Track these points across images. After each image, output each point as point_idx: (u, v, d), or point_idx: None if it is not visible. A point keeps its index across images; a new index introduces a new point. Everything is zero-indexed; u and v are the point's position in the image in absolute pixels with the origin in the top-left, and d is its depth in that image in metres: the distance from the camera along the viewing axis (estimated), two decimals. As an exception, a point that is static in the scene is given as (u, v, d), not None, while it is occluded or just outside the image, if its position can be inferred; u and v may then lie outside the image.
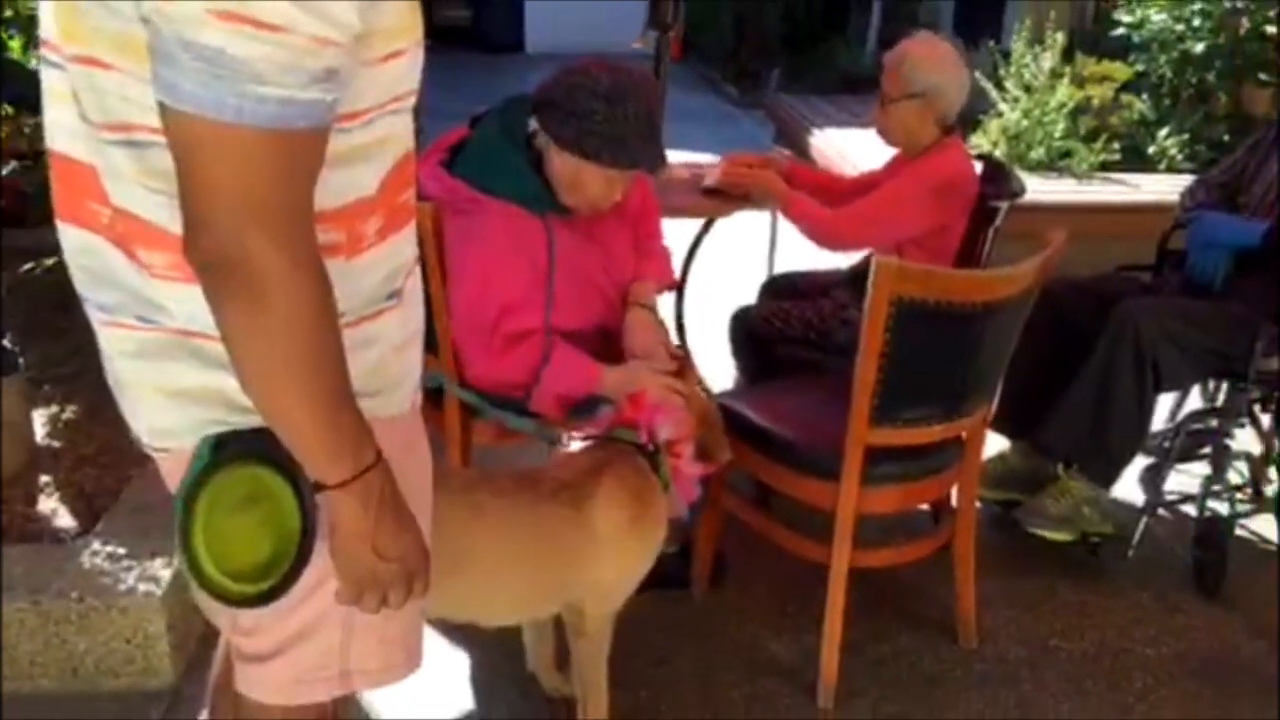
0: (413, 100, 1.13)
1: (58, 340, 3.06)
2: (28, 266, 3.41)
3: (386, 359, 1.19)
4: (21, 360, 2.61)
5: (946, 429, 2.12)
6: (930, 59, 2.59)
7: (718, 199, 2.82)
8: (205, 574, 1.09)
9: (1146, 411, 2.57)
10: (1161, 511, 2.80)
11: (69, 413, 2.81)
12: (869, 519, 2.16)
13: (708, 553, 2.46)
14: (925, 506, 2.55)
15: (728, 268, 3.57)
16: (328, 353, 1.02)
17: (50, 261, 3.12)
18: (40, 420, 2.75)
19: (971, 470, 2.29)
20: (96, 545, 2.22)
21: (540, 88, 2.04)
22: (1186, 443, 2.73)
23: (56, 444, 2.68)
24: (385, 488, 1.10)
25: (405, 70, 1.08)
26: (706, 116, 7.90)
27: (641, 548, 1.87)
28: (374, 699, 2.07)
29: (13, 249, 3.29)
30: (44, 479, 2.54)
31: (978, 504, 2.41)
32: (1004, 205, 2.61)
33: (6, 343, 2.53)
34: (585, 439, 1.93)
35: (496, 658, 2.21)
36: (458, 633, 1.46)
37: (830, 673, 2.18)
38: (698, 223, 3.12)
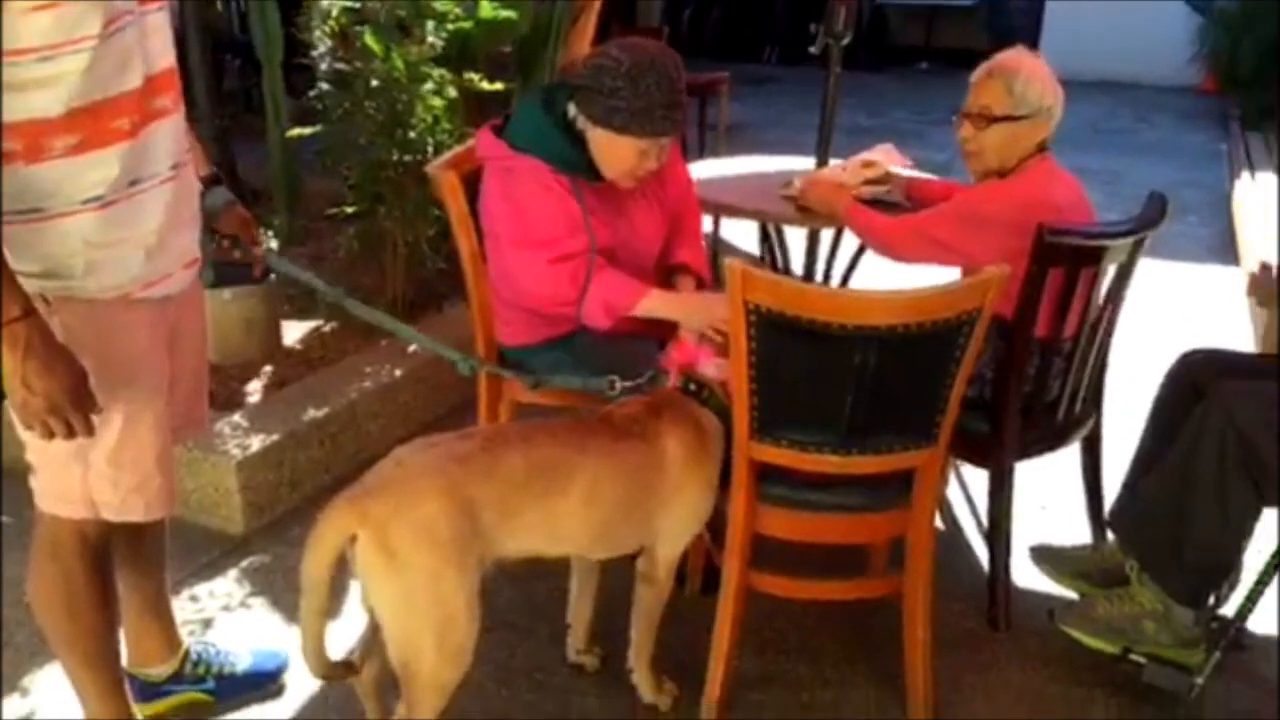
0: (90, 46, 1.44)
1: None
2: None
3: (77, 249, 1.54)
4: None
5: (845, 462, 1.92)
6: (1041, 77, 2.30)
7: (788, 207, 2.75)
8: None
9: (1234, 523, 2.03)
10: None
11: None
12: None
13: (699, 555, 2.45)
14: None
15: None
16: None
17: None
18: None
19: (919, 523, 2.03)
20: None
21: (574, 74, 2.26)
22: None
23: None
24: (33, 336, 1.45)
25: (59, 21, 1.41)
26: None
27: (703, 481, 1.99)
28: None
29: None
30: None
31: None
32: (1110, 244, 2.21)
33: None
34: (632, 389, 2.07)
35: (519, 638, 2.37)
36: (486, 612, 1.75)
37: (711, 698, 2.10)
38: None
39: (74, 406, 1.50)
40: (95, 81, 1.48)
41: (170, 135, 1.63)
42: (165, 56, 1.61)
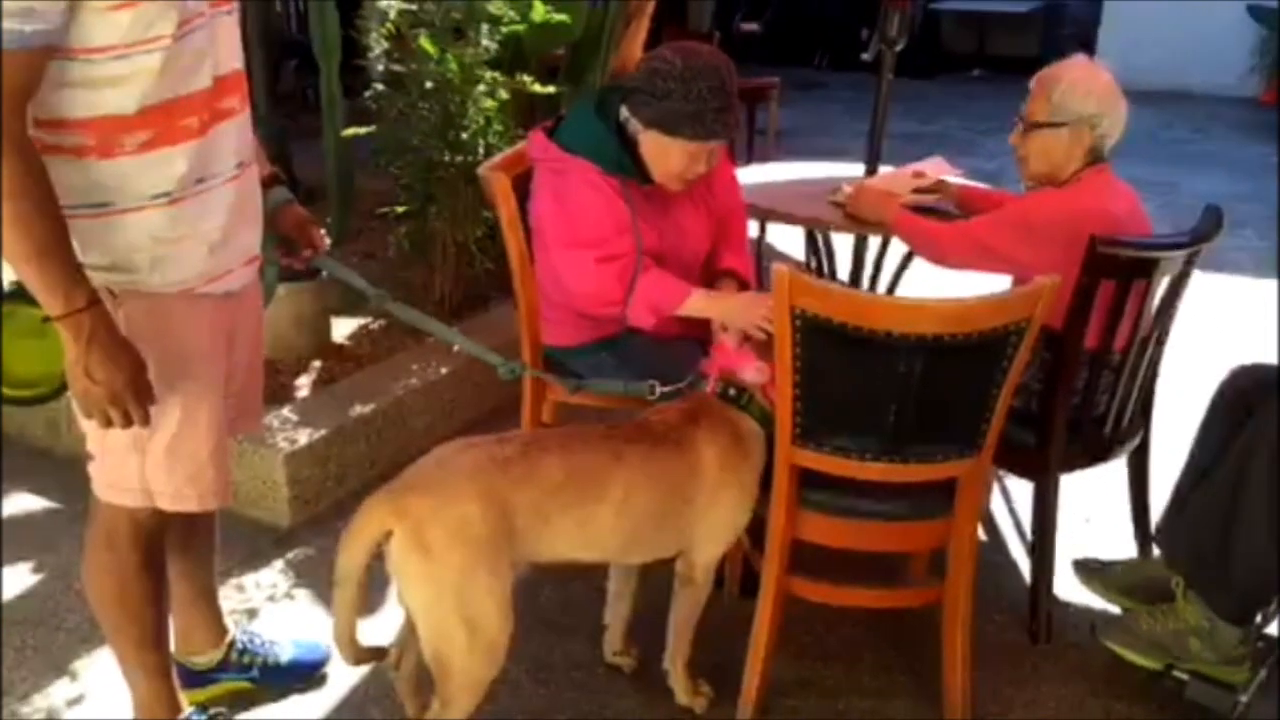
0: (164, 45, 1.49)
1: None
2: None
3: (144, 244, 1.59)
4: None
5: (888, 469, 1.92)
6: (1085, 86, 2.28)
7: (836, 213, 2.75)
8: None
9: (1287, 541, 2.00)
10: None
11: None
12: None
13: (737, 557, 2.46)
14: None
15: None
16: (32, 218, 1.43)
17: None
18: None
19: (961, 533, 2.02)
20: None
21: (627, 77, 2.28)
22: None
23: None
24: (97, 327, 1.50)
25: (137, 20, 1.45)
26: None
27: (741, 488, 2.00)
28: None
29: None
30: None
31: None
32: (1163, 256, 2.18)
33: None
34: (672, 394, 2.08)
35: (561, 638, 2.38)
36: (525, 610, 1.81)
37: (747, 701, 2.10)
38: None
39: (134, 397, 1.55)
40: (168, 80, 1.53)
41: (236, 135, 1.67)
42: (234, 59, 1.66)
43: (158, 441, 1.70)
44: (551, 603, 2.48)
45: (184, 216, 1.61)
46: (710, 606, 2.11)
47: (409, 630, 1.86)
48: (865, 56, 3.04)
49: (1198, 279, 2.34)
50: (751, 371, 2.02)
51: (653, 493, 1.91)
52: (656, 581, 2.17)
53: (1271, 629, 2.16)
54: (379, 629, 2.05)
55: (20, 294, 1.55)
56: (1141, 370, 2.35)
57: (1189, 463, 2.35)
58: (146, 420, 1.58)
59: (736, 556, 2.43)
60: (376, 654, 1.89)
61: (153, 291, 1.63)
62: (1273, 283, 4.75)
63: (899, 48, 2.99)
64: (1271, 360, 2.37)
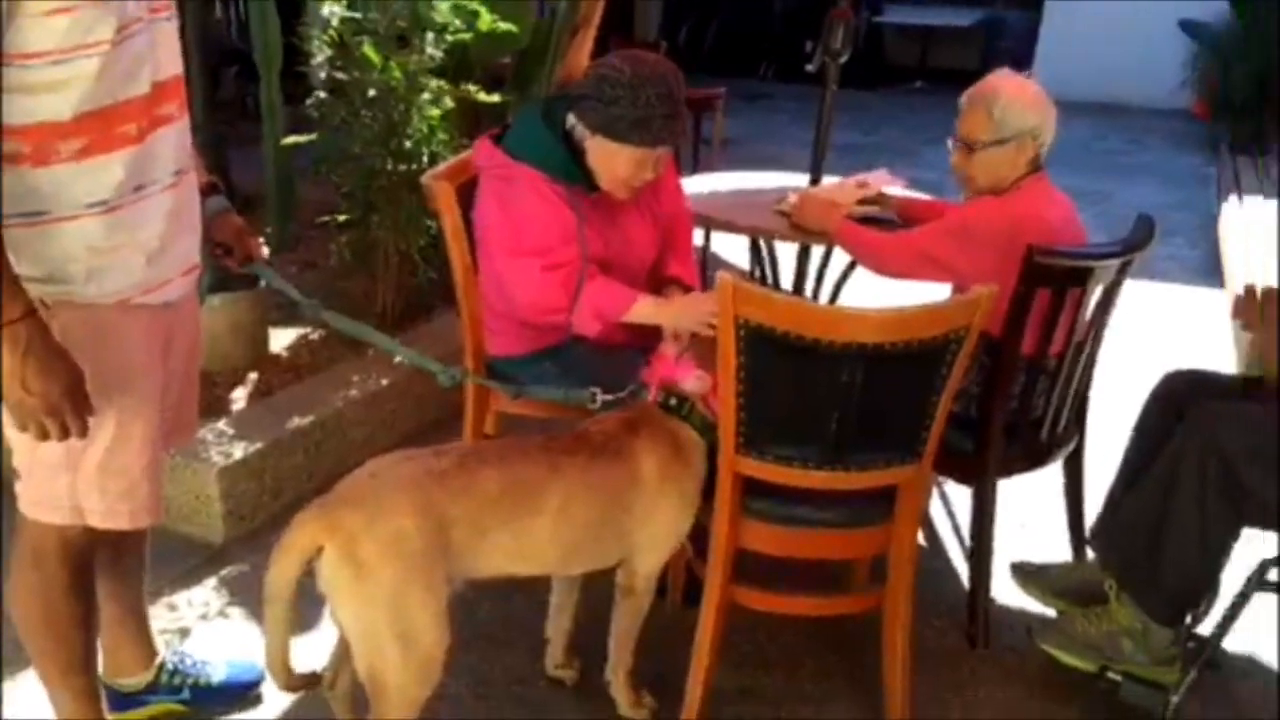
0: (102, 51, 1.45)
1: None
2: None
3: (79, 254, 1.54)
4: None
5: (831, 477, 1.92)
6: (1022, 100, 2.32)
7: (780, 222, 2.77)
8: None
9: (1213, 544, 2.04)
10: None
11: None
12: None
13: (680, 566, 2.45)
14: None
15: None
16: None
17: None
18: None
19: (902, 539, 2.04)
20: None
21: (574, 85, 2.27)
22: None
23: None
24: (33, 337, 1.45)
25: (75, 25, 1.42)
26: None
27: (681, 496, 1.99)
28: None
29: None
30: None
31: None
32: (1097, 265, 2.22)
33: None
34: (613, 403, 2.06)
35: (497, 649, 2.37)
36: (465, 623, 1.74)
37: (690, 711, 2.09)
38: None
39: (71, 408, 1.50)
40: (105, 87, 1.49)
41: (174, 142, 1.64)
42: (173, 64, 1.62)
43: (90, 457, 1.65)
44: (491, 617, 2.46)
45: (121, 225, 1.57)
46: (652, 616, 2.11)
47: (343, 649, 1.83)
48: (809, 68, 3.05)
49: (1130, 286, 2.39)
50: (692, 381, 2.01)
51: (591, 503, 1.90)
52: (598, 593, 2.16)
53: (1202, 629, 2.20)
54: (314, 647, 2.01)
55: None
56: (1076, 375, 2.39)
57: (1122, 466, 2.39)
58: (84, 431, 1.54)
59: (679, 565, 2.43)
60: (310, 680, 1.85)
61: (89, 302, 1.58)
62: (1202, 289, 4.89)
63: (843, 60, 3.02)
64: (1202, 365, 2.43)
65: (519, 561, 1.88)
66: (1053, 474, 2.59)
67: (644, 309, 2.24)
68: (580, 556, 1.97)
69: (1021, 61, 8.60)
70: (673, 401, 2.02)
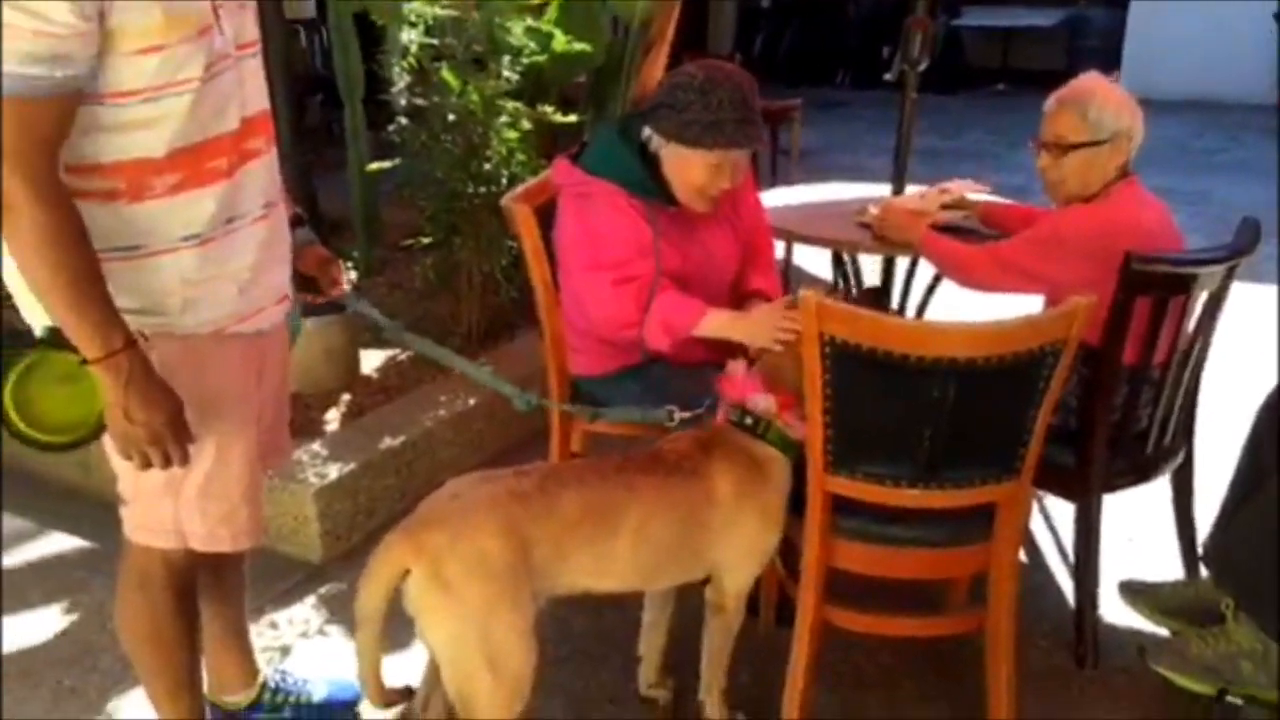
0: (192, 88, 1.50)
1: None
2: None
3: (174, 286, 1.58)
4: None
5: (923, 495, 1.88)
6: (1115, 100, 2.25)
7: (863, 234, 2.72)
8: (10, 422, 1.56)
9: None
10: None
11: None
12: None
13: (772, 585, 2.42)
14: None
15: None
16: (69, 263, 1.44)
17: None
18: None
19: (1002, 558, 1.98)
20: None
21: (649, 98, 2.28)
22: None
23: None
24: (135, 368, 1.49)
25: (165, 63, 1.46)
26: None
27: (761, 513, 1.95)
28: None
29: None
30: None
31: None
32: (1201, 271, 2.14)
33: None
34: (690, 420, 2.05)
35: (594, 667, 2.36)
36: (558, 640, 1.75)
37: (786, 733, 2.06)
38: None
39: (173, 437, 1.54)
40: (196, 123, 1.53)
41: (263, 175, 1.68)
42: (260, 99, 1.66)
43: (191, 482, 1.69)
44: (585, 631, 2.45)
45: (214, 257, 1.61)
46: (746, 636, 2.08)
47: (433, 672, 1.84)
48: (888, 77, 3.00)
49: (1236, 290, 2.29)
50: (760, 400, 1.97)
51: (668, 522, 1.88)
52: (693, 614, 2.13)
53: (1327, 650, 2.09)
54: (408, 665, 2.02)
55: (48, 341, 1.55)
56: (1182, 385, 2.30)
57: (1235, 479, 2.29)
58: (185, 460, 1.58)
59: (771, 584, 2.40)
60: (404, 694, 1.87)
61: (186, 333, 1.62)
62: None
63: (922, 67, 2.96)
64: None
65: (601, 579, 1.88)
66: (1161, 488, 2.49)
67: (715, 322, 2.21)
68: (661, 573, 1.96)
69: (1109, 60, 8.38)
70: (749, 420, 1.98)
